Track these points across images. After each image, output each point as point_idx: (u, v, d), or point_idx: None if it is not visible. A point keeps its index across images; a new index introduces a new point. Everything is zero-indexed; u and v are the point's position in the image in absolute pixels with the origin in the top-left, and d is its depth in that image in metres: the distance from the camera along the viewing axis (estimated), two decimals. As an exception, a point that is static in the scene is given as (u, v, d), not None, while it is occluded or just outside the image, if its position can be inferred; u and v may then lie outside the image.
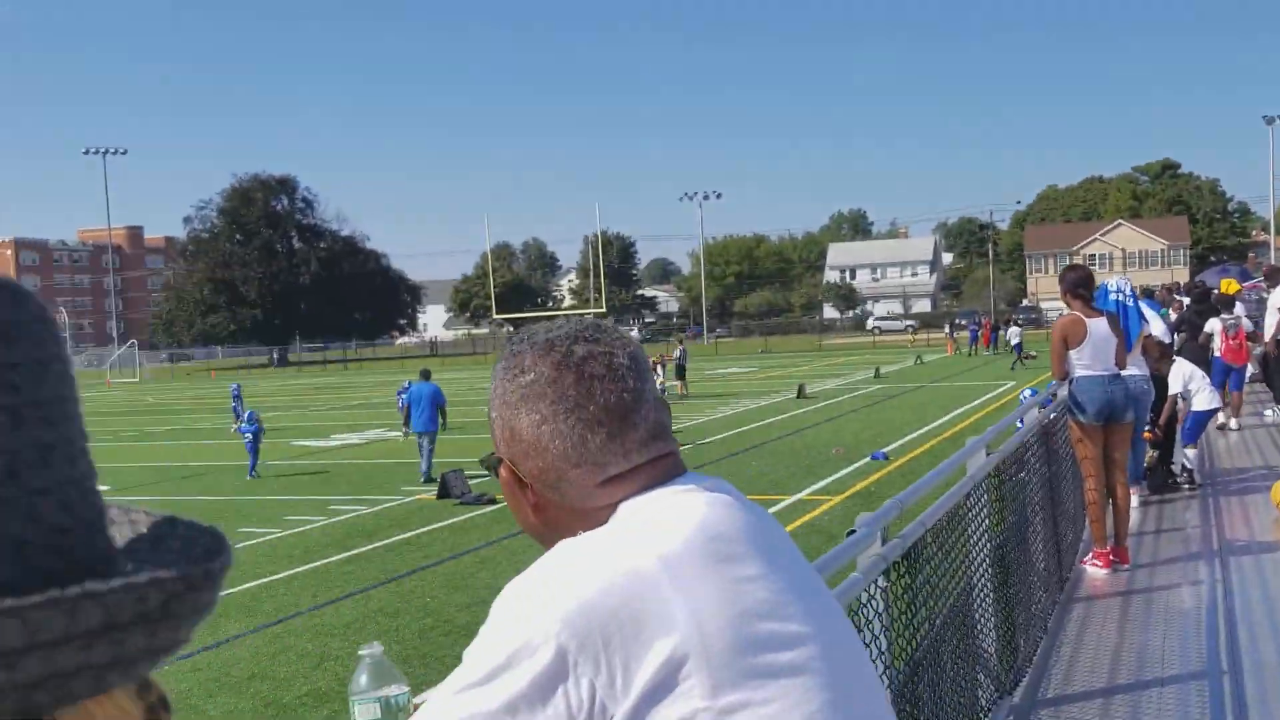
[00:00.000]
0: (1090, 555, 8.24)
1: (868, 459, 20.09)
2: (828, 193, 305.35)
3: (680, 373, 38.33)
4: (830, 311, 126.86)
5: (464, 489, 18.01)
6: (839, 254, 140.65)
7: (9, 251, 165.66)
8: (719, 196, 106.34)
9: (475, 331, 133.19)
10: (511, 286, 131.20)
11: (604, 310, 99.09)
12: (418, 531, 15.44)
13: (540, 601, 1.26)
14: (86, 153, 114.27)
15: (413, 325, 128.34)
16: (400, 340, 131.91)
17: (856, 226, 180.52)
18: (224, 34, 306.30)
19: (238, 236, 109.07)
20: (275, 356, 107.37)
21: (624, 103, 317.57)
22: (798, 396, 34.83)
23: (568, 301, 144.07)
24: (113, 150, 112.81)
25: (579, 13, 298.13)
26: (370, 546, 14.58)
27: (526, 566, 1.31)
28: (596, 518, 1.39)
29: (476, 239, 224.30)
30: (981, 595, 5.16)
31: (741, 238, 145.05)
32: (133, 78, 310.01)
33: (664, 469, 1.43)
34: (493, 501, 17.47)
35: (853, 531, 3.39)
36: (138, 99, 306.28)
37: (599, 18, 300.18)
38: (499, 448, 1.47)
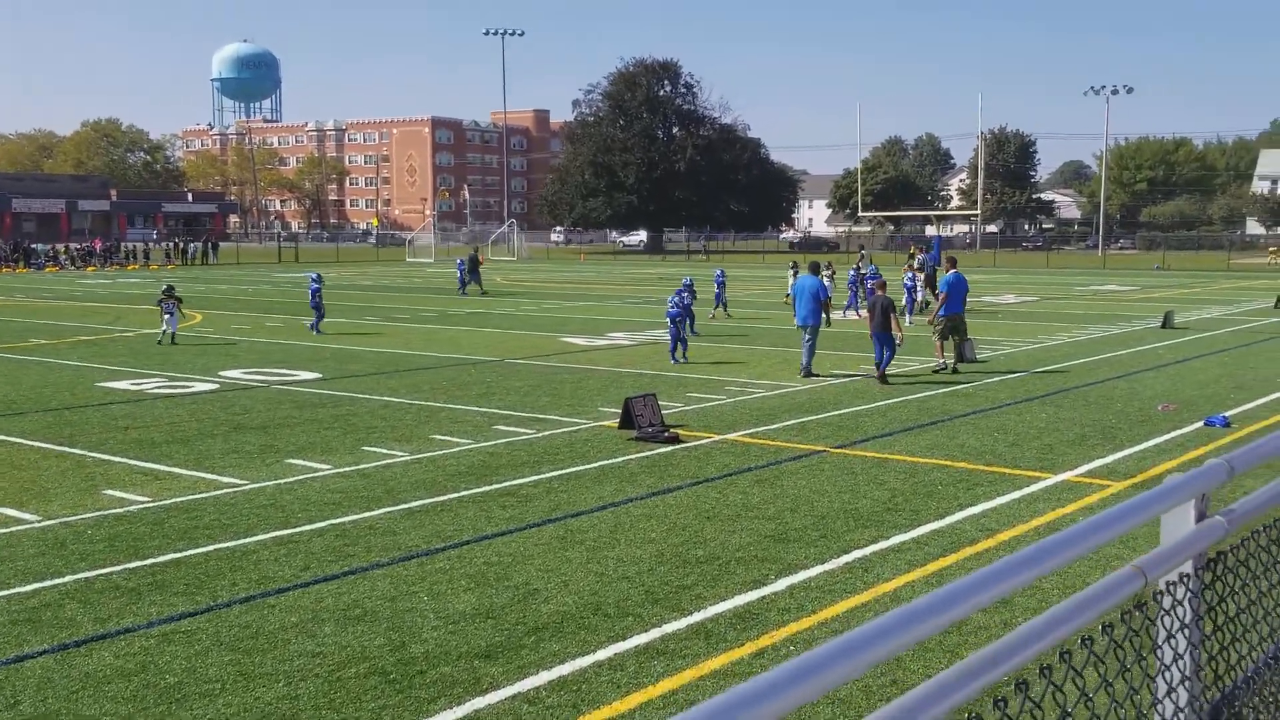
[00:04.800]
0: None
1: (1199, 424, 14.95)
2: (1272, 94, 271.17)
3: (930, 283, 31.44)
4: (1255, 227, 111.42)
5: (652, 420, 14.60)
6: (1272, 161, 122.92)
7: (426, 129, 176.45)
8: (1129, 91, 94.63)
9: (856, 229, 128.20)
10: (896, 183, 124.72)
11: (977, 213, 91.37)
12: (542, 476, 12.05)
13: None
14: (486, 34, 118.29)
15: (787, 220, 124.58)
16: (783, 236, 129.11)
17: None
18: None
19: (620, 121, 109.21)
20: (644, 243, 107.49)
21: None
22: (1162, 326, 28.75)
23: (955, 202, 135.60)
24: (510, 31, 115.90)
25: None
26: (461, 493, 11.27)
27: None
28: None
29: (870, 132, 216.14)
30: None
31: (1158, 140, 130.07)
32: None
33: None
34: (675, 440, 14.02)
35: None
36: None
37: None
38: None
